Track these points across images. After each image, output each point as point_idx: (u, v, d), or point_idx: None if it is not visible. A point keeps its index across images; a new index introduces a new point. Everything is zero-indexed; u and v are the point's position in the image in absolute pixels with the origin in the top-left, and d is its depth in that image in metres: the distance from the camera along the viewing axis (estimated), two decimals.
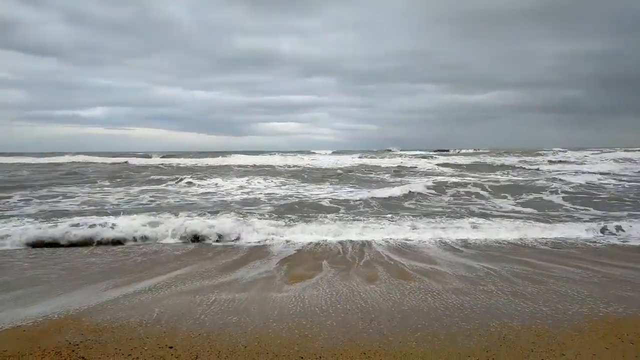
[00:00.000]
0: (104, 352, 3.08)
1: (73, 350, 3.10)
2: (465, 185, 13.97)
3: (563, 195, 12.07)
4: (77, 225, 7.01)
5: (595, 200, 11.34)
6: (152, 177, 18.95)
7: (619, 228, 7.27)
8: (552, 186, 13.69)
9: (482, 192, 12.74)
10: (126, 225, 7.03)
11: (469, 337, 3.29)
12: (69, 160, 36.37)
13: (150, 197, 12.39)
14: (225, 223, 7.25)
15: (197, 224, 7.17)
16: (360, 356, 3.02)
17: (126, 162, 33.90)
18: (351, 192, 13.72)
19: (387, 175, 21.52)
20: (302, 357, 3.00)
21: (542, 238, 6.87)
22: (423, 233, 7.09)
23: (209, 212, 8.69)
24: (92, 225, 6.97)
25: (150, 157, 43.48)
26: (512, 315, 3.75)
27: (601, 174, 18.76)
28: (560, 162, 31.15)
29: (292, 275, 4.96)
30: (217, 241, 6.74)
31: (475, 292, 4.34)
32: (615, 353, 3.05)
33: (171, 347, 3.15)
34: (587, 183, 14.81)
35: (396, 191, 12.22)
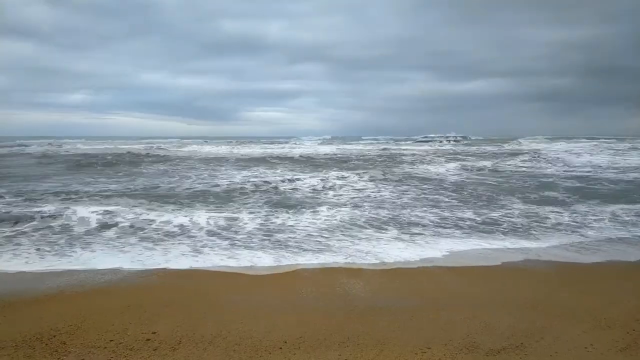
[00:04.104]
0: (85, 338, 3.04)
1: (54, 336, 3.06)
2: None
3: None
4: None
5: None
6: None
7: None
8: None
9: None
10: None
11: (451, 323, 3.34)
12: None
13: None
14: None
15: None
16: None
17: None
18: None
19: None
20: (285, 342, 3.02)
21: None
22: None
23: None
24: None
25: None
26: (493, 302, 3.82)
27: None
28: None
29: None
30: None
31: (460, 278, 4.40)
32: (591, 336, 3.12)
33: (154, 333, 3.14)
34: None
35: None
